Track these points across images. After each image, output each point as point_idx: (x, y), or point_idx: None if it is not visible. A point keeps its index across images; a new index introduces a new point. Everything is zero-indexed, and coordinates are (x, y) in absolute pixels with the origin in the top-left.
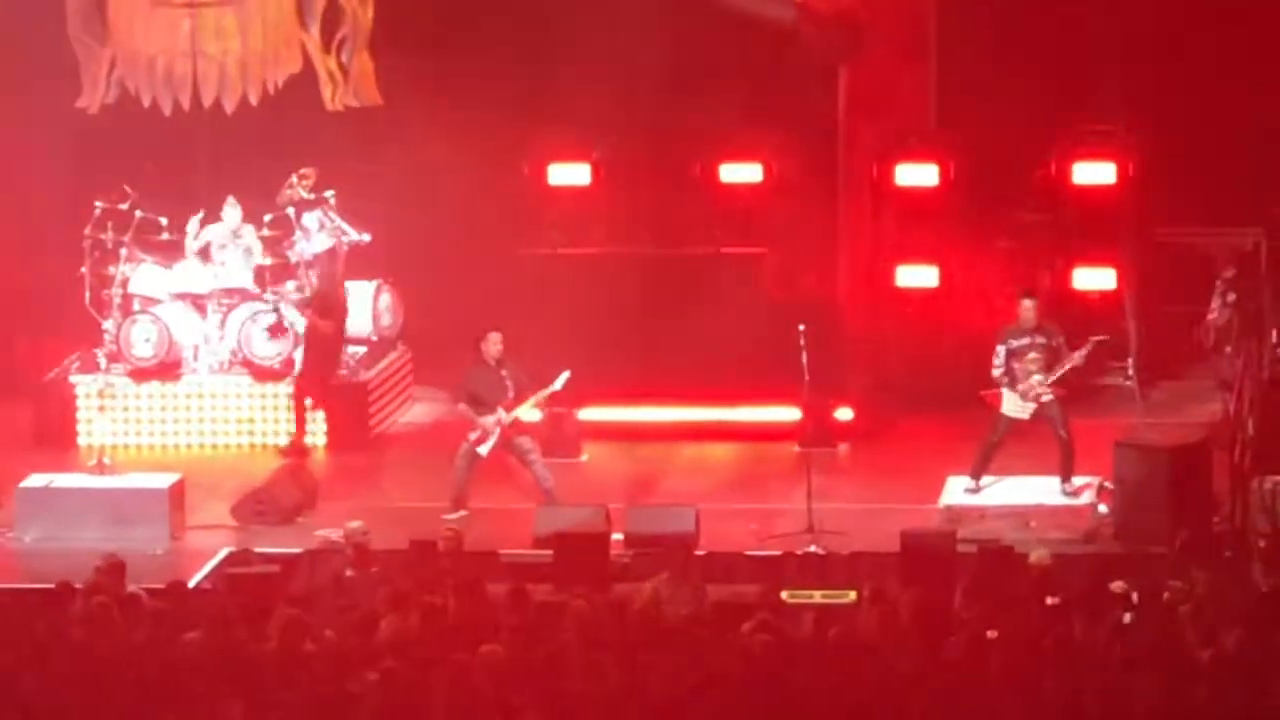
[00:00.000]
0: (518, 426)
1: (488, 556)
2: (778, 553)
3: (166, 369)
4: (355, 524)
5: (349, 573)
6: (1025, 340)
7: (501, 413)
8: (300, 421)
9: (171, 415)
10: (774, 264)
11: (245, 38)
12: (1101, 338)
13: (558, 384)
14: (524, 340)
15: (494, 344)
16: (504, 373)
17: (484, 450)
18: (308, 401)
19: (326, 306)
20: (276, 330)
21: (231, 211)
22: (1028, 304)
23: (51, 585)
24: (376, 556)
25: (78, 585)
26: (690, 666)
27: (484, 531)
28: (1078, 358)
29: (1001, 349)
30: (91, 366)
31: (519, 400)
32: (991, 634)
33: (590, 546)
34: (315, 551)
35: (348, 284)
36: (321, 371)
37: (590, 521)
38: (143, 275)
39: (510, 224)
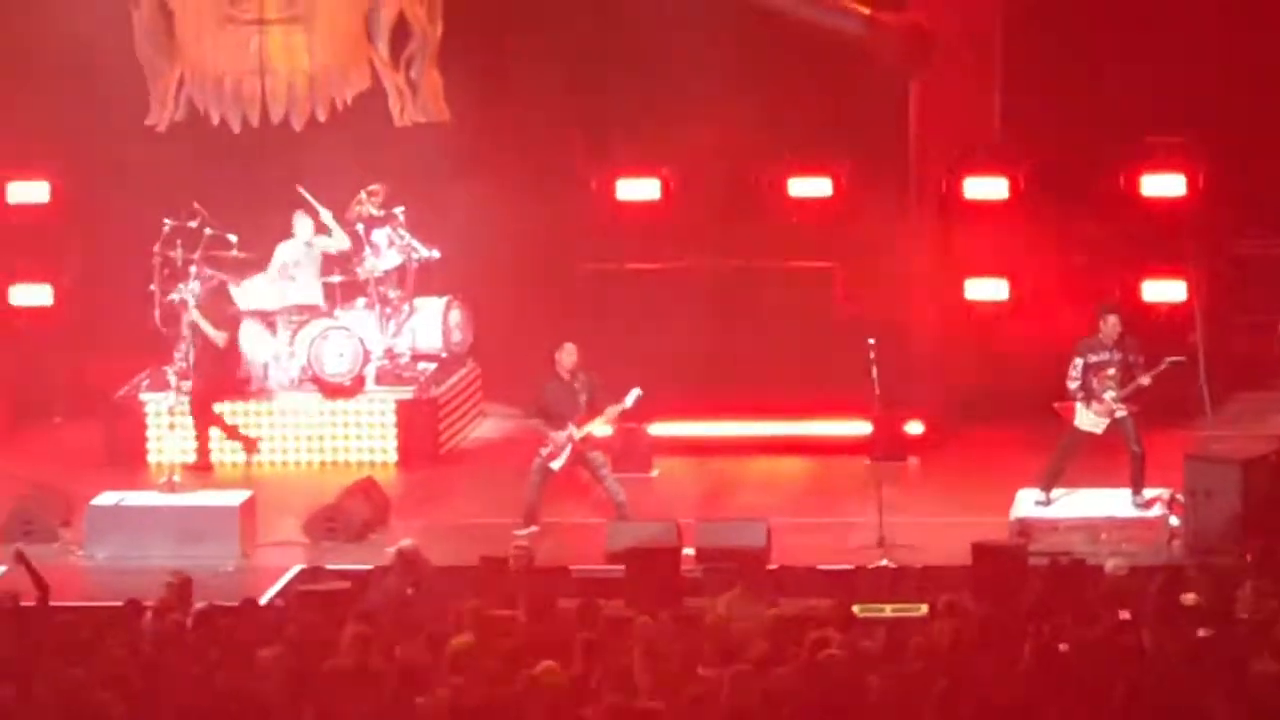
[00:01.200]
0: (590, 441)
1: (559, 572)
2: (849, 567)
3: (238, 386)
4: (407, 542)
5: (409, 590)
6: (1105, 355)
7: (573, 428)
8: (203, 437)
9: (244, 432)
10: (843, 278)
11: (314, 54)
12: (1176, 359)
13: (628, 401)
14: (593, 355)
15: (568, 355)
16: (577, 385)
17: (556, 465)
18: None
19: (221, 318)
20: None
21: (302, 224)
22: (1111, 319)
23: (122, 603)
24: (443, 573)
25: (148, 603)
26: (760, 681)
27: (556, 547)
28: (1147, 380)
29: (1079, 362)
30: (162, 384)
31: (591, 415)
32: (1063, 647)
33: (661, 561)
34: (385, 568)
35: (417, 301)
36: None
37: (661, 536)
38: (213, 292)
39: (579, 239)
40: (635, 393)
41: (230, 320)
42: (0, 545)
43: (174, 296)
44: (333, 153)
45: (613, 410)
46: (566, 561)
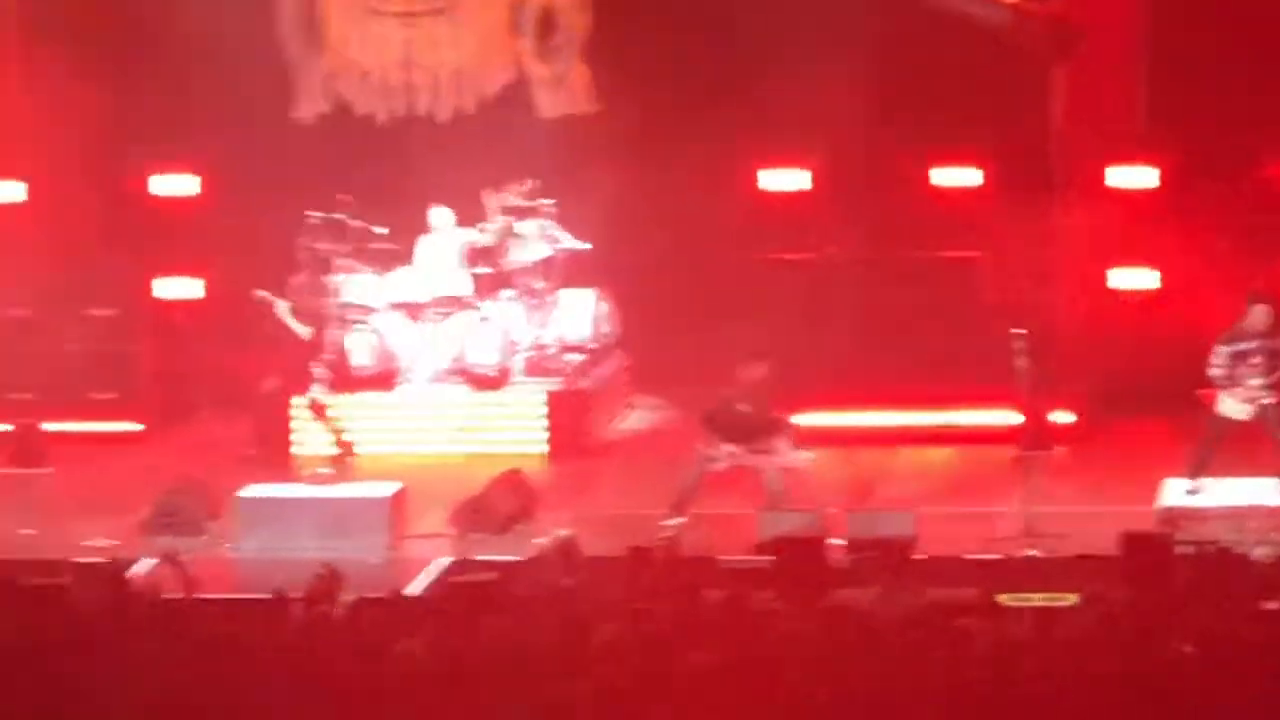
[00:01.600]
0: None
1: (705, 562)
2: (996, 556)
3: (384, 378)
4: (564, 532)
5: (563, 580)
6: (1251, 344)
7: (736, 449)
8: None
9: (389, 425)
10: (990, 267)
11: (459, 47)
12: None
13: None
14: (739, 346)
15: (754, 370)
16: (744, 408)
17: (715, 467)
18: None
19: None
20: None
21: (445, 219)
22: (1260, 309)
23: (269, 596)
24: (591, 564)
25: (296, 595)
26: (907, 672)
27: (705, 537)
28: None
29: (1225, 350)
30: (309, 376)
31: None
32: (1210, 635)
33: (809, 551)
34: (534, 559)
35: (565, 292)
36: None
37: (809, 526)
38: (358, 285)
39: (728, 229)
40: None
41: (316, 315)
42: (147, 538)
43: (260, 294)
44: (479, 145)
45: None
46: (716, 551)
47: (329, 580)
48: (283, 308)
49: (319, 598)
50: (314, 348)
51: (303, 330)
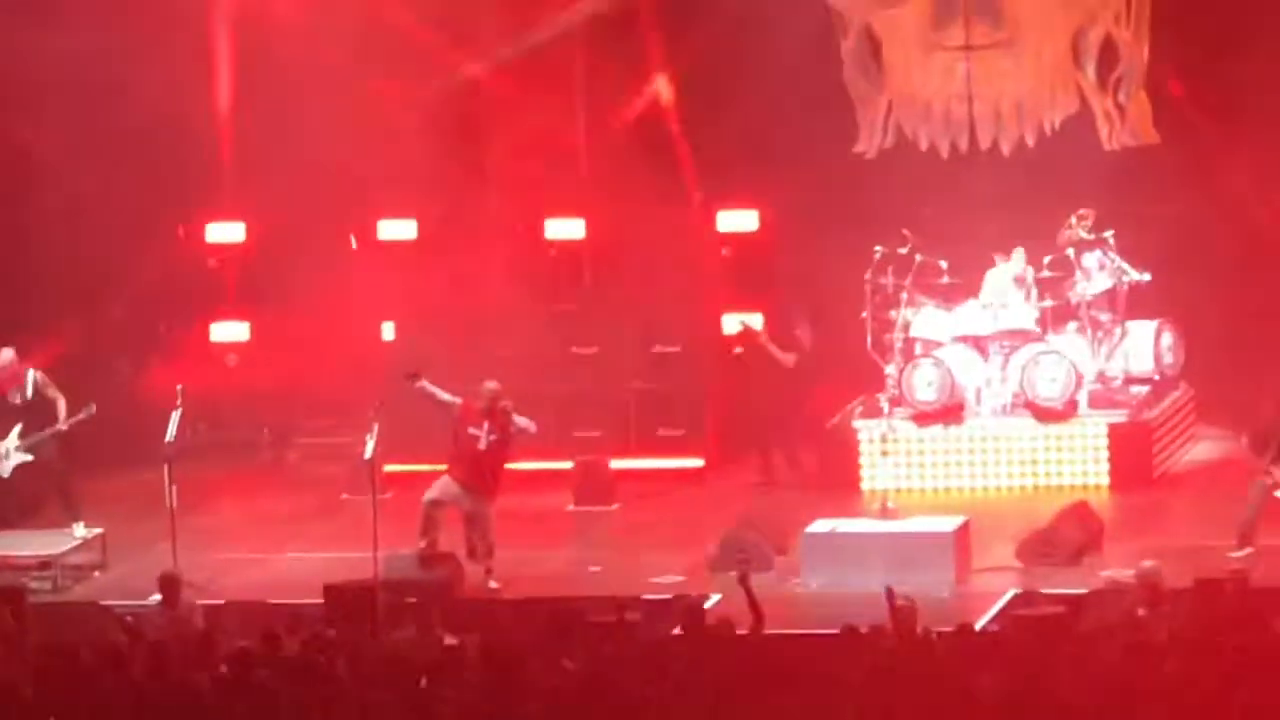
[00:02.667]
0: None
1: (1274, 593)
2: None
3: (949, 412)
4: (1149, 563)
5: (1140, 612)
6: None
7: None
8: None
9: (955, 458)
10: None
11: (1021, 79)
12: None
13: None
14: None
15: None
16: None
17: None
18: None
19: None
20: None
21: (1017, 259)
22: None
23: (838, 630)
24: (1168, 596)
25: (863, 629)
26: None
27: (1272, 568)
28: None
29: None
30: (875, 411)
31: None
32: None
33: None
34: (1101, 591)
35: (1128, 324)
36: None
37: None
38: (924, 319)
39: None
40: None
41: (797, 343)
42: (716, 573)
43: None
44: (1041, 177)
45: None
46: None
47: (909, 612)
48: (764, 337)
49: (900, 626)
50: (795, 376)
51: (784, 358)
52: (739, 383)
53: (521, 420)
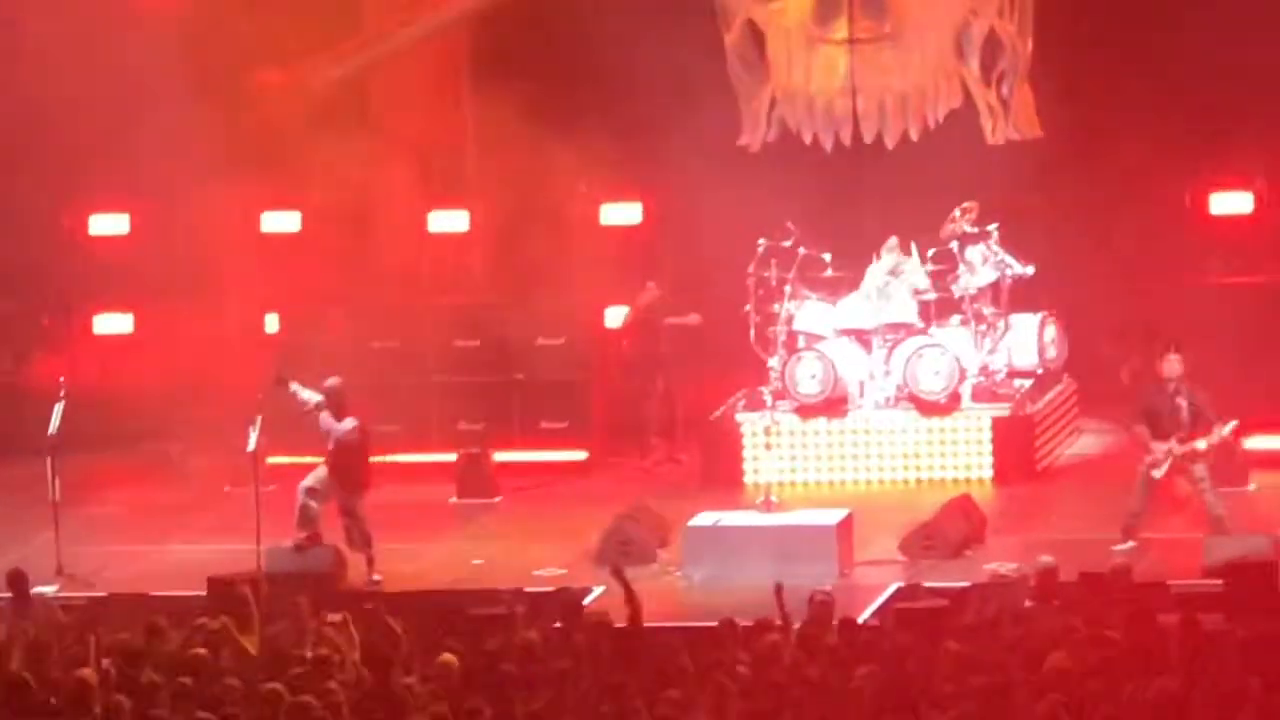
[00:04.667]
0: (1191, 455)
1: (1157, 587)
2: None
3: (832, 405)
4: (1046, 558)
5: (1028, 604)
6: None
7: (1174, 443)
8: None
9: (838, 451)
10: None
11: (905, 73)
12: None
13: (1225, 431)
14: (1192, 369)
15: (1173, 364)
16: (1180, 397)
17: (1158, 474)
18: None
19: None
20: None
21: (893, 246)
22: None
23: (716, 623)
24: (1059, 590)
25: (744, 623)
26: None
27: (1153, 562)
28: None
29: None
30: (758, 404)
31: (1195, 430)
32: None
33: (1260, 575)
34: (984, 585)
35: (1012, 317)
36: None
37: (1260, 550)
38: (807, 312)
39: (1172, 253)
40: (1232, 424)
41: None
42: (598, 566)
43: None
44: (924, 171)
45: (1213, 436)
46: (1164, 576)
47: (827, 606)
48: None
49: (817, 619)
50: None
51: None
52: (623, 373)
53: (305, 393)
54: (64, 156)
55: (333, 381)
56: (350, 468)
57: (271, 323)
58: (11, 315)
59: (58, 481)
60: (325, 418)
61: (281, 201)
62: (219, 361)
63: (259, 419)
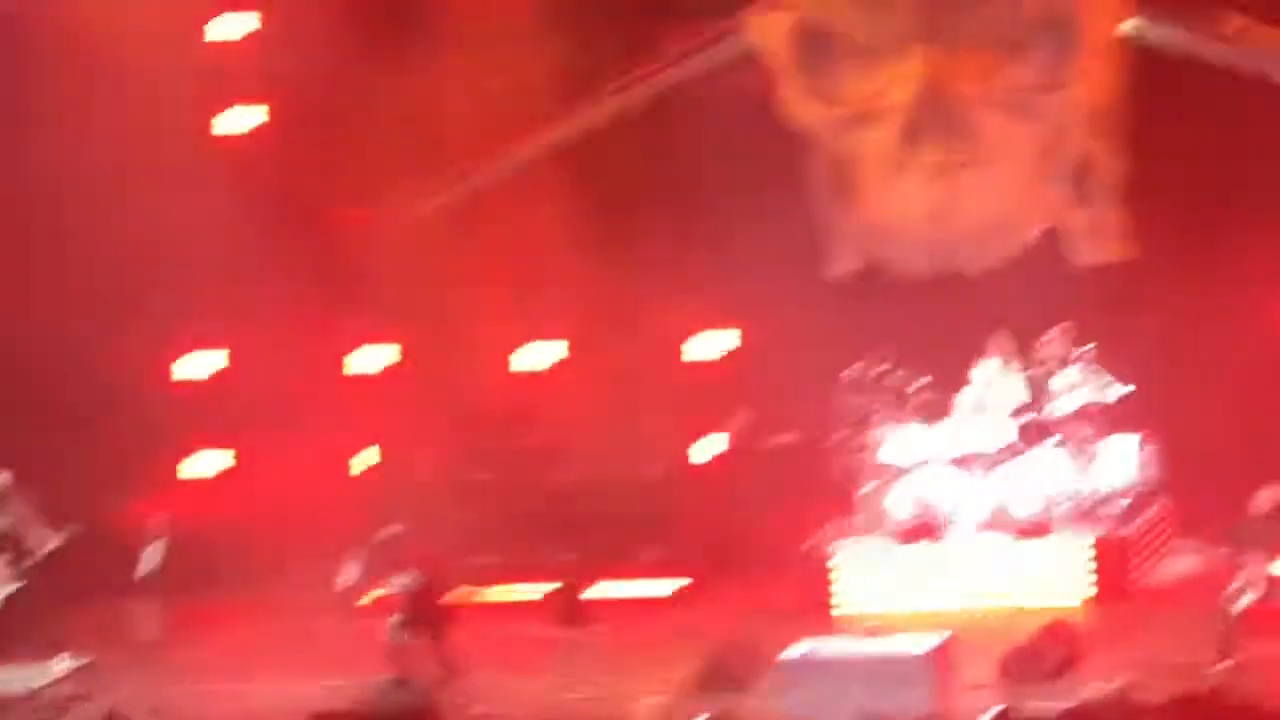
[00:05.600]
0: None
1: (1253, 709)
2: None
3: (926, 530)
4: (1123, 680)
5: None
6: None
7: (1267, 566)
8: None
9: (932, 577)
10: None
11: (995, 196)
12: None
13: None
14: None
15: (1262, 500)
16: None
17: (1244, 602)
18: None
19: None
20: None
21: (988, 369)
22: None
23: None
24: (1146, 712)
25: None
26: None
27: (1254, 682)
28: None
29: None
30: (849, 532)
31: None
32: None
33: None
34: (1082, 708)
35: (1108, 438)
36: None
37: None
38: (898, 438)
39: (1266, 370)
40: None
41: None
42: (698, 696)
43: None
44: (1015, 295)
45: None
46: (1265, 697)
47: None
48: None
49: None
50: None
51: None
52: (718, 504)
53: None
54: (165, 296)
55: (385, 533)
56: (425, 610)
57: (366, 458)
58: (124, 453)
59: (155, 620)
60: (394, 581)
61: (373, 337)
62: (315, 497)
63: (361, 558)
